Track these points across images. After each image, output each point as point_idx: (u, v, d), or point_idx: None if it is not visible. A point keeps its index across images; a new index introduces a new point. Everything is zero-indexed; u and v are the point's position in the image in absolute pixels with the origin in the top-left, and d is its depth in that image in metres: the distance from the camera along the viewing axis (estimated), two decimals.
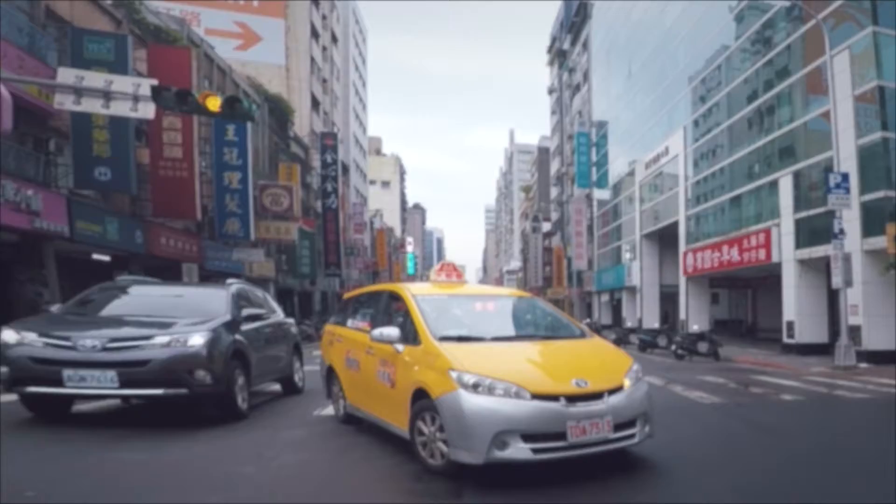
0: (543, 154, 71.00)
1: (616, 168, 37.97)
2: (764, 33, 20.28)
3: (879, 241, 14.50)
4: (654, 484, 4.14)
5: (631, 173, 33.83)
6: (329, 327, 6.64)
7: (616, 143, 38.40)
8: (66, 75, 10.02)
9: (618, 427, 4.03)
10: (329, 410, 6.58)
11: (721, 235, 22.55)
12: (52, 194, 14.68)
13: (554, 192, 61.49)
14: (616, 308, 37.32)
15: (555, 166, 60.92)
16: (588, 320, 31.53)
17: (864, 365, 13.83)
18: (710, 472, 4.47)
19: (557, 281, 51.64)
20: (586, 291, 43.39)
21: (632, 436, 4.16)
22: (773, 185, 19.19)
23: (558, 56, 59.03)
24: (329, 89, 48.95)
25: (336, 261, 42.43)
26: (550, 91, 64.93)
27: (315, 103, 44.16)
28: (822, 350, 16.20)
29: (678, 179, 27.14)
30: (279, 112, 33.65)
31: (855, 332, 14.67)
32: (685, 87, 27.11)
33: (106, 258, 18.28)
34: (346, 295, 7.07)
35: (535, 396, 3.85)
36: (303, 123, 40.31)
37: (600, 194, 41.47)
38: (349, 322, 6.10)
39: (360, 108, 66.00)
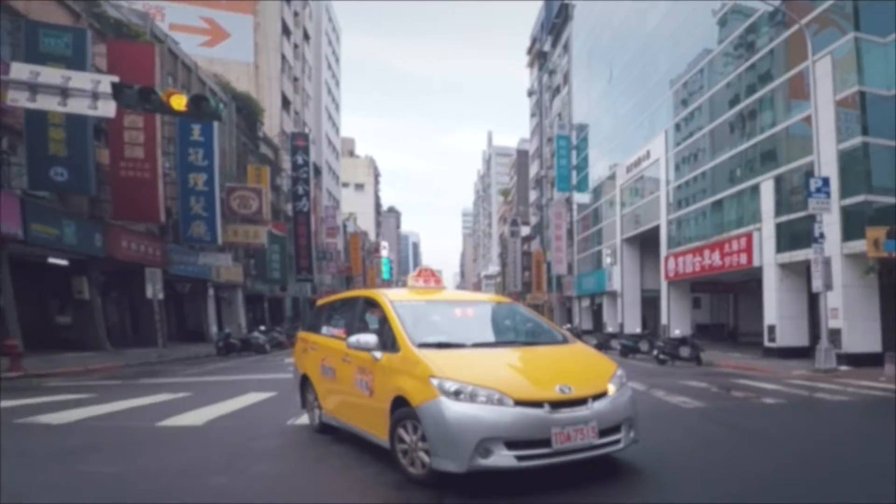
0: (522, 157, 71.49)
1: (596, 171, 38.42)
2: (747, 37, 20.80)
3: (859, 245, 14.96)
4: (640, 490, 4.20)
5: (612, 177, 34.19)
6: (302, 334, 6.63)
7: (597, 147, 38.83)
8: (20, 70, 9.76)
9: (603, 433, 4.09)
10: (304, 420, 6.56)
11: (703, 240, 22.99)
12: (4, 195, 14.23)
13: (533, 195, 61.93)
14: (597, 313, 37.74)
15: (534, 169, 61.34)
16: (568, 325, 31.72)
17: (844, 368, 14.25)
18: (695, 477, 4.56)
19: (537, 286, 52.01)
20: (566, 296, 43.75)
21: (617, 441, 4.22)
22: (755, 189, 19.63)
23: (538, 57, 59.65)
24: (300, 88, 48.66)
25: (308, 266, 42.19)
26: (530, 93, 65.48)
27: (285, 102, 43.86)
28: (803, 353, 16.69)
29: (659, 183, 27.56)
30: (248, 111, 33.41)
31: (835, 335, 15.10)
32: (667, 91, 27.57)
33: (63, 262, 17.81)
34: (320, 301, 7.06)
35: (519, 403, 3.90)
36: (272, 123, 40.09)
37: (580, 198, 41.88)
38: (324, 329, 6.10)
39: (333, 109, 65.74)
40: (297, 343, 6.80)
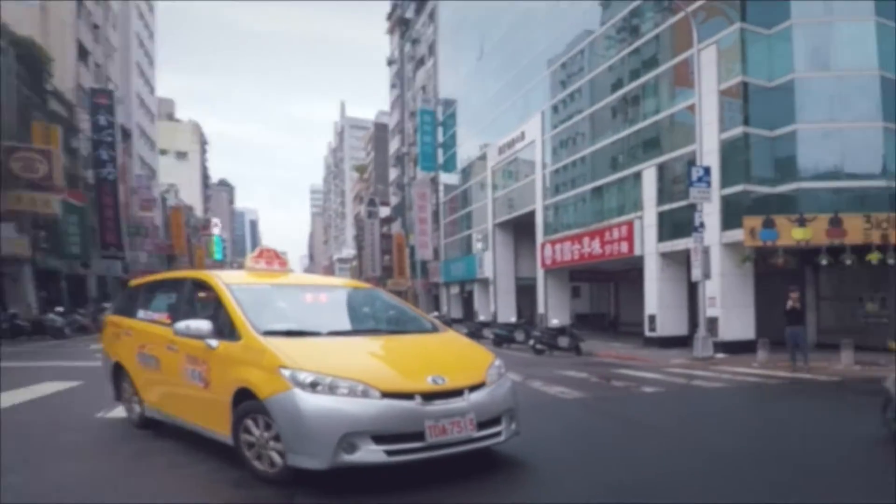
0: (381, 131, 70.44)
1: (465, 151, 38.58)
2: (631, 21, 21.84)
3: (737, 234, 16.41)
4: (523, 484, 4.28)
5: (482, 157, 34.46)
6: (113, 318, 6.39)
7: (466, 124, 38.97)
8: None
9: (482, 425, 4.16)
10: (118, 412, 6.29)
11: (582, 227, 23.93)
12: None
13: (393, 173, 61.26)
14: (467, 301, 38.06)
15: (394, 145, 60.61)
16: (436, 313, 31.61)
17: (721, 355, 15.59)
18: (577, 468, 4.72)
19: (399, 271, 51.63)
20: (433, 283, 43.74)
21: (497, 434, 4.31)
22: (637, 176, 20.77)
23: (400, 24, 58.64)
24: (102, 38, 43.99)
25: (116, 241, 38.96)
26: (390, 62, 64.42)
27: (83, 53, 39.37)
28: (683, 342, 18.00)
29: (535, 166, 28.20)
30: (31, 60, 29.83)
31: (713, 323, 16.41)
32: (544, 71, 28.24)
33: None
34: (135, 282, 6.83)
35: (386, 395, 3.90)
36: (66, 76, 35.98)
37: (447, 178, 41.90)
38: (140, 313, 5.93)
39: (147, 64, 59.99)
40: (106, 328, 6.54)
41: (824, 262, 14.42)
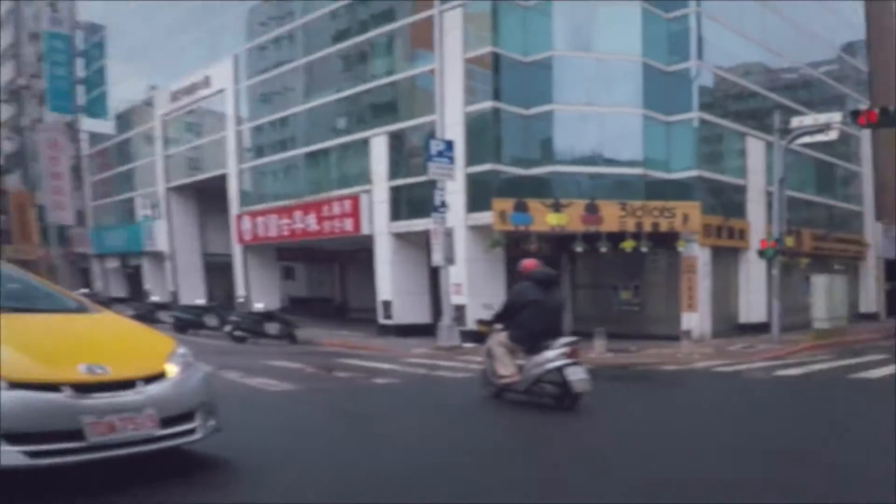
0: None
1: (122, 92, 31.03)
2: None
3: (485, 217, 15.23)
4: (221, 485, 3.68)
5: (149, 103, 28.49)
6: None
7: (122, 59, 31.25)
8: None
9: (167, 422, 3.46)
10: None
11: (293, 198, 20.40)
12: None
13: (6, 111, 45.66)
14: (133, 277, 31.74)
15: (6, 74, 45.72)
16: (85, 290, 25.42)
17: (469, 345, 14.37)
18: (286, 467, 4.14)
19: (23, 237, 39.42)
20: (79, 254, 35.37)
21: (191, 431, 3.64)
22: (365, 143, 18.14)
23: None
24: None
25: None
26: None
27: None
28: (426, 331, 16.30)
29: (227, 121, 23.48)
30: None
31: (460, 310, 15.16)
32: (239, 6, 23.26)
33: None
34: None
35: (18, 385, 3.07)
36: None
37: (95, 125, 33.49)
38: None
39: None
40: None
41: (580, 249, 14.07)
